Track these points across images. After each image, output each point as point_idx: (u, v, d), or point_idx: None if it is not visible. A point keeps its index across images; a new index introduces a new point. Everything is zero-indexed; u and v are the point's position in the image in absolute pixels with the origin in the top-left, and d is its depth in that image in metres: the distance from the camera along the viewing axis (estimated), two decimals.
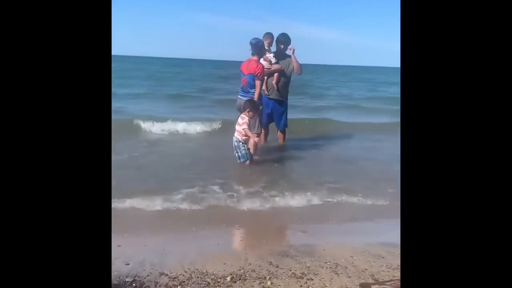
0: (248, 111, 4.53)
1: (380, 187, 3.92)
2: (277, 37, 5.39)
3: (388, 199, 3.60)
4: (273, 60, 5.28)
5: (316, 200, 3.56)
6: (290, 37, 5.46)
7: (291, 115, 5.91)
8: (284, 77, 5.41)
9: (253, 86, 4.77)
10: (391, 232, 2.82)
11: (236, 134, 4.59)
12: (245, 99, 4.77)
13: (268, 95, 5.41)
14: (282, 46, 5.42)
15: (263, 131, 5.43)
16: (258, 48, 4.86)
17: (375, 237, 2.82)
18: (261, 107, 4.88)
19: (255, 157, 4.78)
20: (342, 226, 3.07)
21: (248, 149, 4.59)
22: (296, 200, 3.54)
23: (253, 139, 4.76)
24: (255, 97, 4.73)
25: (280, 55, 5.41)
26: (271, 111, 5.49)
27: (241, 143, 4.55)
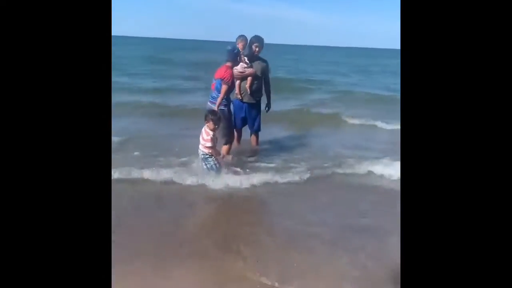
0: (208, 122, 4.31)
1: None
2: (250, 39, 5.27)
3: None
4: (245, 65, 5.18)
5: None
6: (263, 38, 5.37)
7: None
8: (257, 80, 5.32)
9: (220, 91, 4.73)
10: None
11: (201, 147, 4.41)
12: (214, 105, 4.70)
13: (242, 99, 5.33)
14: (256, 49, 5.32)
15: (236, 134, 5.41)
16: (232, 56, 4.81)
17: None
18: (221, 113, 4.68)
19: (229, 157, 4.73)
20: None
21: (216, 159, 4.46)
22: None
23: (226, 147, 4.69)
24: (218, 102, 4.69)
25: (253, 58, 5.31)
26: (245, 115, 5.42)
27: (207, 155, 4.39)
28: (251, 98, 5.34)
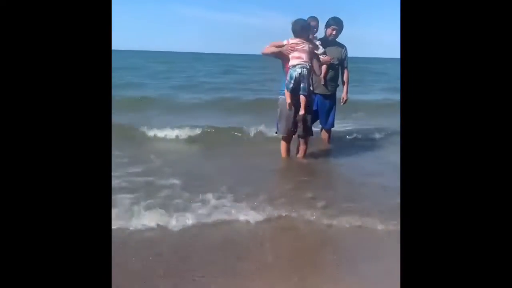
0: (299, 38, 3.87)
1: None
2: (327, 21, 4.54)
3: None
4: (321, 50, 4.45)
5: None
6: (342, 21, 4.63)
7: None
8: (332, 68, 4.60)
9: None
10: None
11: (297, 61, 3.86)
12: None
13: (313, 90, 4.63)
14: (333, 32, 4.58)
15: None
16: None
17: None
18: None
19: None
20: None
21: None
22: None
23: None
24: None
25: (328, 43, 4.58)
26: (316, 108, 4.71)
27: (305, 69, 3.85)
28: (325, 89, 4.63)
